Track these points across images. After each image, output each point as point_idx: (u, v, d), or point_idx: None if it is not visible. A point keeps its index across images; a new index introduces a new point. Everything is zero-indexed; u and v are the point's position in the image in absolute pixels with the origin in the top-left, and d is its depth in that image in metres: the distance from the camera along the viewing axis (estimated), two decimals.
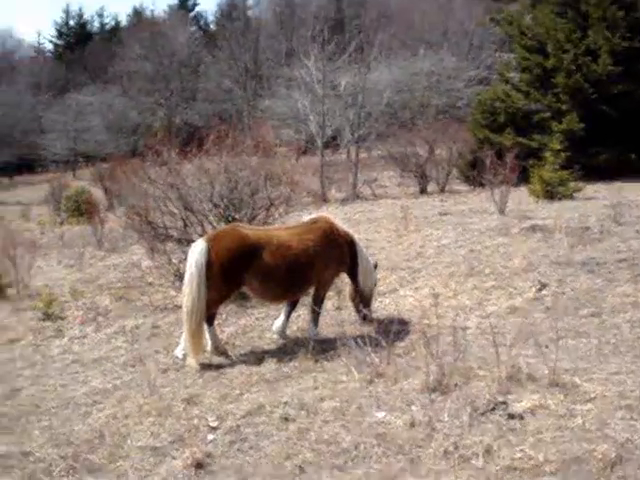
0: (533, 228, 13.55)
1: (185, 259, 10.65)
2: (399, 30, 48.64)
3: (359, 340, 7.00)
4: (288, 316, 8.48)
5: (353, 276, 8.61)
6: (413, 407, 5.78)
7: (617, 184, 20.43)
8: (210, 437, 5.63)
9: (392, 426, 5.49)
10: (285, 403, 6.10)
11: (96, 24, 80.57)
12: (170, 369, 7.53)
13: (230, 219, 10.30)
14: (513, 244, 12.41)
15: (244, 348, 8.09)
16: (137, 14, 77.61)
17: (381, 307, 9.26)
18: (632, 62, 23.41)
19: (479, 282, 10.08)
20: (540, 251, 11.65)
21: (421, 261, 11.86)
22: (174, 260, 10.74)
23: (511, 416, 5.42)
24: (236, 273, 7.69)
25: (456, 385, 6.06)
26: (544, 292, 9.28)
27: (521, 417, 5.41)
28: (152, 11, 78.47)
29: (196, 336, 7.55)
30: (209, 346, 7.83)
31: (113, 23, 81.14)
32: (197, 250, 7.63)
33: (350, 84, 30.71)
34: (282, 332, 8.41)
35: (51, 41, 79.13)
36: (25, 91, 61.14)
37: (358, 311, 8.63)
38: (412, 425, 5.42)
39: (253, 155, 10.87)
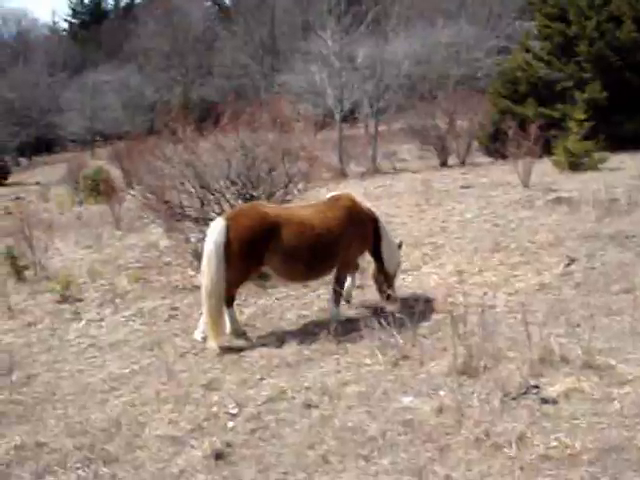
0: (558, 200, 13.23)
1: (203, 238, 10.46)
2: (416, 0, 47.79)
3: (382, 320, 6.76)
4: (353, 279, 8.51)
5: (376, 255, 8.33)
6: (441, 392, 5.53)
7: None
8: (230, 425, 5.43)
9: (419, 412, 5.25)
10: (307, 388, 5.89)
11: (110, 1, 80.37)
12: (189, 353, 7.32)
13: (248, 197, 10.06)
14: (538, 217, 12.11)
15: (264, 330, 7.85)
16: None
17: (404, 285, 8.99)
18: None
19: (505, 258, 9.79)
20: (567, 224, 11.33)
21: (444, 236, 11.57)
22: (192, 239, 10.53)
23: (544, 401, 5.17)
24: (256, 252, 7.44)
25: (485, 368, 5.80)
26: (573, 267, 8.97)
27: (555, 402, 5.15)
28: None
29: (216, 318, 7.34)
30: (228, 328, 7.63)
31: (127, 0, 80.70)
32: (216, 229, 7.40)
33: (368, 56, 30.27)
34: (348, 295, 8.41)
35: (66, 20, 79.03)
36: (41, 71, 61.08)
37: (381, 291, 8.37)
38: (440, 411, 5.18)
39: (270, 131, 10.58)
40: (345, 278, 8.23)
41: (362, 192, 14.55)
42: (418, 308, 7.12)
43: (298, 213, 7.87)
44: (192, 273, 10.48)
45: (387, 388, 5.75)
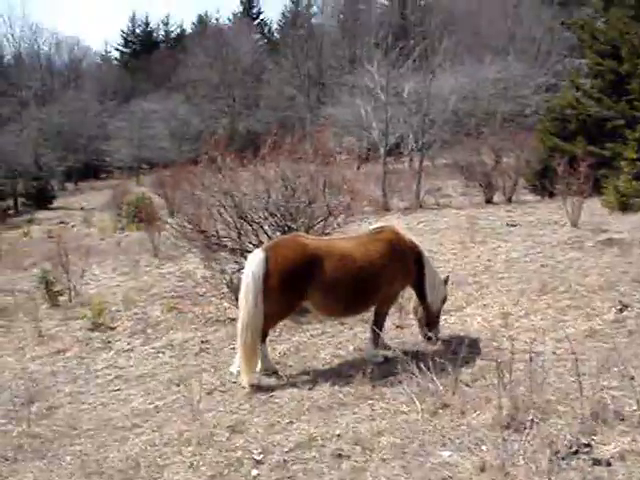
0: (609, 242, 12.69)
1: (239, 270, 10.19)
2: (464, 36, 47.58)
3: (422, 364, 6.36)
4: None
5: (420, 291, 7.95)
6: (483, 447, 5.09)
7: None
8: (254, 473, 5.06)
9: (459, 469, 4.82)
10: (338, 436, 5.48)
11: (162, 32, 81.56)
12: (216, 390, 6.98)
13: (286, 229, 9.77)
14: (588, 259, 11.58)
15: (296, 369, 7.46)
16: (202, 22, 78.08)
17: (446, 326, 8.55)
18: None
19: (553, 301, 9.30)
20: (618, 267, 10.80)
21: (489, 275, 11.13)
22: (227, 271, 10.25)
23: (596, 462, 4.70)
24: (297, 285, 7.09)
25: (532, 422, 5.29)
26: (625, 313, 8.43)
27: (608, 464, 4.68)
28: (217, 19, 78.63)
29: (250, 353, 7.01)
30: (259, 365, 7.29)
31: (178, 31, 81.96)
32: (255, 260, 7.05)
33: (414, 90, 30.03)
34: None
35: (117, 49, 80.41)
36: (91, 98, 62.07)
37: (422, 330, 8.01)
38: (482, 469, 4.74)
39: (312, 162, 10.29)
40: (385, 316, 7.84)
41: (405, 227, 14.13)
42: (460, 352, 6.70)
43: (339, 245, 7.54)
44: (227, 305, 10.20)
45: (425, 440, 5.31)
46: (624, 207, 17.17)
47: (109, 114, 60.18)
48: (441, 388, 6.06)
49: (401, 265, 7.66)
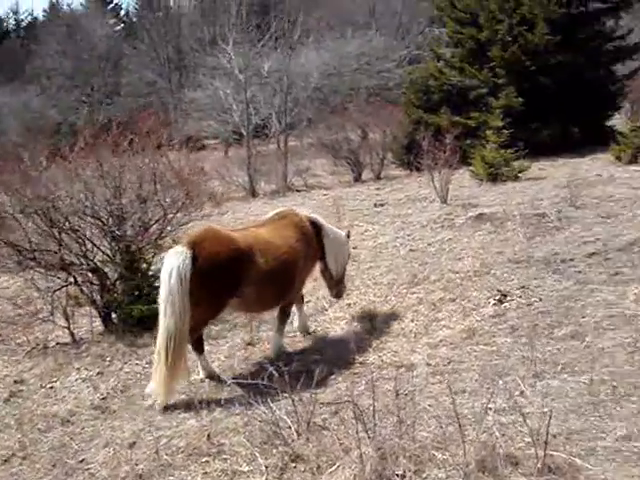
0: (481, 218, 11.78)
1: (62, 287, 8.66)
2: (325, 12, 46.71)
3: (269, 399, 5.10)
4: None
5: (324, 262, 7.75)
6: None
7: (561, 160, 19.20)
8: None
9: None
10: None
11: (12, 21, 76.79)
12: (15, 456, 5.39)
13: (115, 235, 8.28)
14: (460, 239, 10.64)
15: (120, 415, 5.91)
16: (53, 8, 73.82)
17: (301, 340, 7.36)
18: (569, 31, 21.99)
19: (425, 293, 8.24)
20: (492, 246, 9.91)
21: (355, 266, 9.98)
22: (43, 289, 8.68)
23: None
24: (231, 281, 6.34)
25: (403, 478, 4.11)
26: (505, 304, 7.41)
27: None
28: (69, 5, 74.59)
29: (176, 366, 5.95)
30: (202, 373, 6.51)
31: (29, 19, 77.37)
32: (179, 259, 5.99)
33: (276, 70, 28.82)
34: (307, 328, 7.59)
35: None
36: None
37: (331, 291, 8.03)
38: None
39: (140, 154, 8.79)
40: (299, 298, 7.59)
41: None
42: (316, 373, 5.48)
43: (260, 233, 6.97)
44: (51, 328, 8.64)
45: None
46: (493, 177, 16.52)
47: None
48: (294, 432, 4.78)
49: (312, 247, 7.41)
